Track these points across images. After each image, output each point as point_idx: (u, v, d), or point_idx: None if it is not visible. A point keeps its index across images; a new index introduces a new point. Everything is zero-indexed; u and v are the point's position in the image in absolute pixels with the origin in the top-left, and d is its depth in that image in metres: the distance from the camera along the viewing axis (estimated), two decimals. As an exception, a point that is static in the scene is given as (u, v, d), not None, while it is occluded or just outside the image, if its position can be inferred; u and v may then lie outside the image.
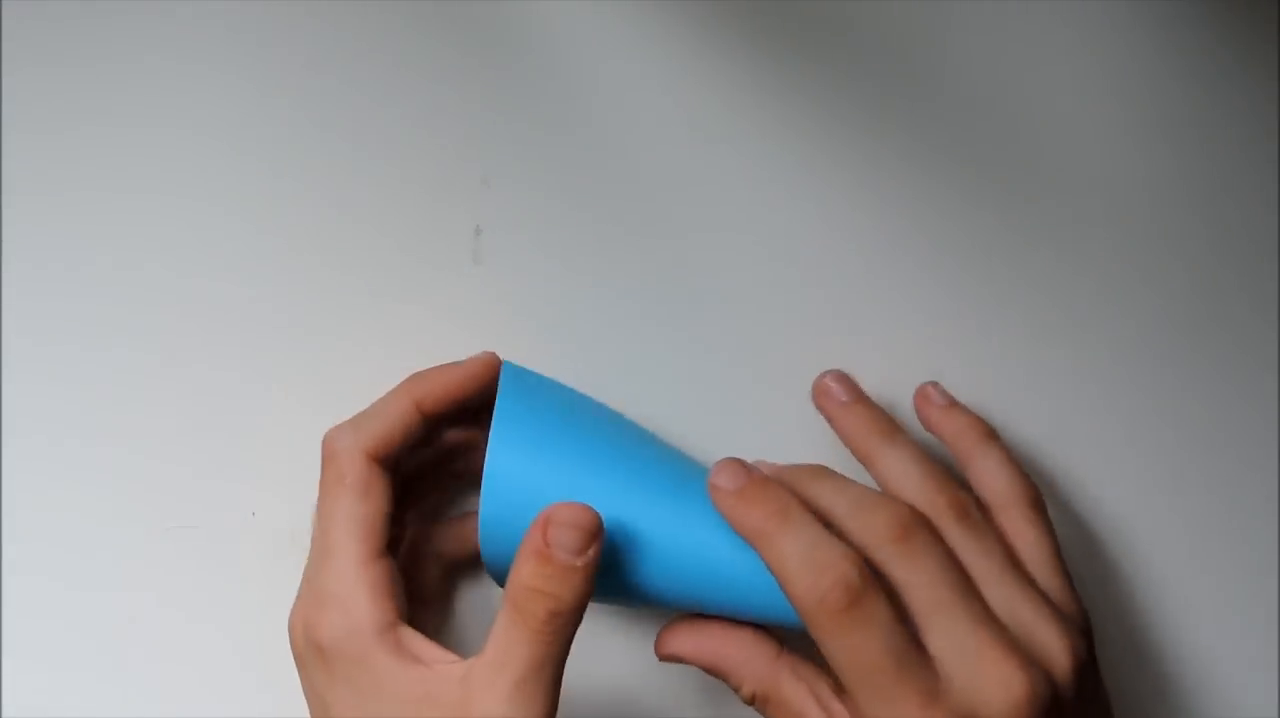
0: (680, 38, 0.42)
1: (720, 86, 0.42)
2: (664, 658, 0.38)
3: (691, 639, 0.37)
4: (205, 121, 0.41)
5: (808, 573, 0.33)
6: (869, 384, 0.41)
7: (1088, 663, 0.35)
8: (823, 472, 0.37)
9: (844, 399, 0.40)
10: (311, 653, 0.35)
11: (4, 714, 0.40)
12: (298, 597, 0.37)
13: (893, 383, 0.42)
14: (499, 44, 0.42)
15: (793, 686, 0.36)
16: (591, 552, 0.33)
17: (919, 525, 0.35)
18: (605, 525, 0.34)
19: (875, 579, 0.33)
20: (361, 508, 0.36)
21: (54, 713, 0.40)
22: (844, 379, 0.41)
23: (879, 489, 0.38)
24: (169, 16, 0.41)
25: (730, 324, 0.42)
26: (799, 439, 0.41)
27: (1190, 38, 0.43)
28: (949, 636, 0.33)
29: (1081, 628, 0.36)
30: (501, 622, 0.34)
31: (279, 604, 0.38)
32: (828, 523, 0.35)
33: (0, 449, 0.41)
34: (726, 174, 0.42)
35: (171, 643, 0.41)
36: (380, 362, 0.41)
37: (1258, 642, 0.43)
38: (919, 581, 0.34)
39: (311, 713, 0.36)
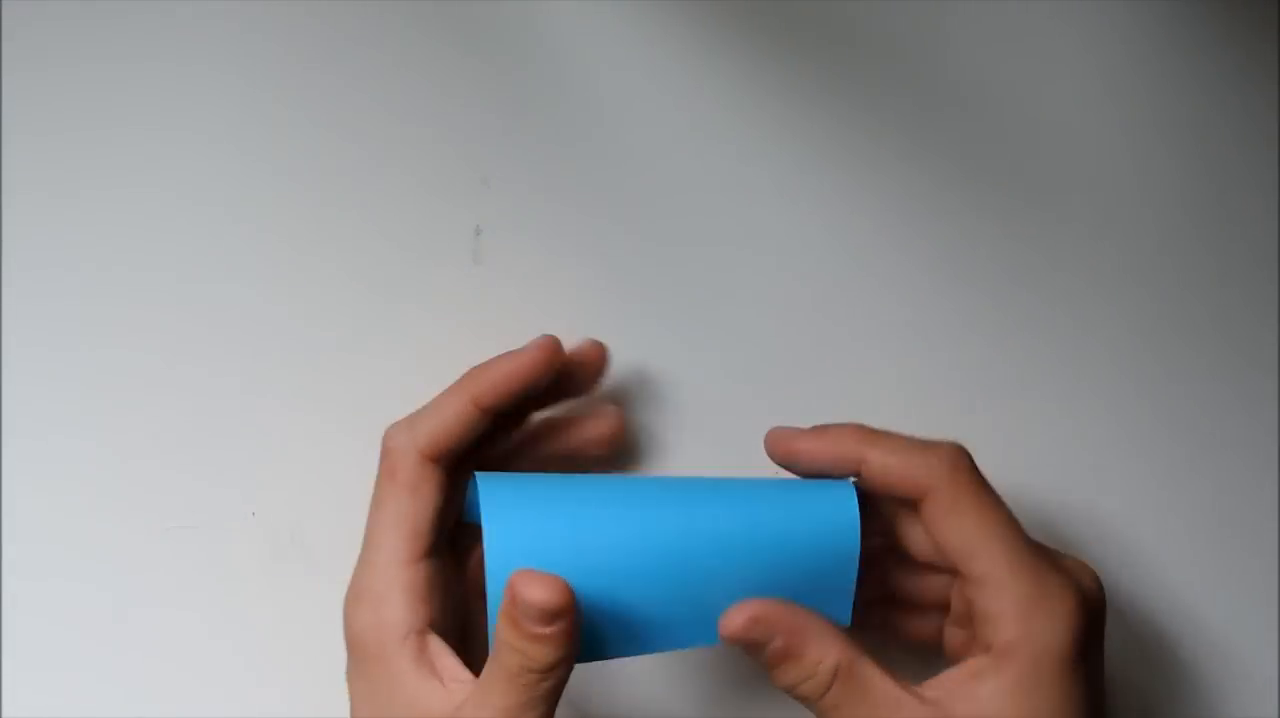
0: (681, 38, 0.42)
1: (721, 87, 0.42)
2: (732, 639, 0.35)
3: (767, 609, 0.34)
4: (204, 121, 0.41)
5: (932, 454, 0.35)
6: (866, 382, 0.41)
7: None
8: (868, 430, 0.36)
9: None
10: (347, 644, 0.36)
11: (4, 714, 0.40)
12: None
13: (894, 382, 0.42)
14: (499, 44, 0.42)
15: (878, 669, 0.34)
16: (559, 625, 0.33)
17: (969, 467, 0.35)
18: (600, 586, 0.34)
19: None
20: (409, 507, 0.36)
21: (54, 713, 0.40)
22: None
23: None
24: (168, 16, 0.41)
25: (731, 324, 0.42)
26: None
27: (1190, 38, 0.43)
28: (1007, 571, 0.34)
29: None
30: (487, 664, 0.34)
31: (279, 604, 0.38)
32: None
33: (0, 449, 0.41)
34: (727, 174, 0.42)
35: (171, 643, 0.41)
36: (381, 361, 0.41)
37: (1260, 643, 0.43)
38: (972, 527, 0.35)
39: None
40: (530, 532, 0.34)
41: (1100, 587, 0.35)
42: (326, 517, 0.39)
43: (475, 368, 0.37)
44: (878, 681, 0.34)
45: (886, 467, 0.35)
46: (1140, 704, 0.42)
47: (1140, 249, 0.43)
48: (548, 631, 0.33)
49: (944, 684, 0.34)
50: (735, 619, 0.34)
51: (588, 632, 0.34)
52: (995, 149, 0.43)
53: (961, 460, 0.35)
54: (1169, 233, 0.43)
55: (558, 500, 0.35)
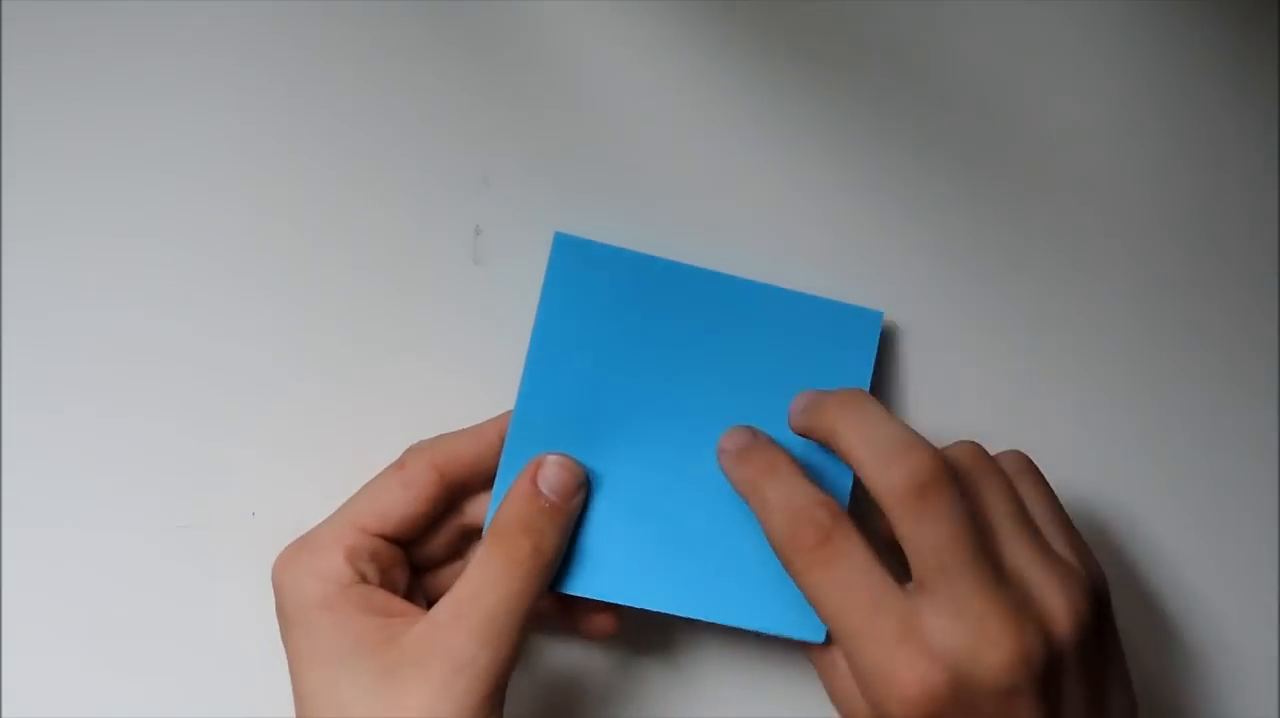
0: (682, 37, 0.42)
1: (723, 86, 0.42)
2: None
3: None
4: (204, 121, 0.41)
5: (783, 515, 0.35)
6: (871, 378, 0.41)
7: (1090, 622, 0.35)
8: (855, 403, 0.36)
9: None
10: (280, 599, 0.36)
11: (4, 714, 0.40)
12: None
13: (898, 378, 0.42)
14: (499, 44, 0.42)
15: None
16: (577, 499, 0.37)
17: (935, 483, 0.34)
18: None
19: (848, 521, 0.35)
20: (397, 493, 0.37)
21: (54, 713, 0.40)
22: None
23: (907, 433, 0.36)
24: (167, 16, 0.41)
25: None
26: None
27: (1190, 38, 0.43)
28: (949, 593, 0.33)
29: (1091, 587, 0.35)
30: (480, 558, 0.35)
31: (279, 604, 0.38)
32: (857, 468, 0.35)
33: (1, 449, 0.41)
34: (729, 173, 0.42)
35: (171, 643, 0.41)
36: (380, 362, 0.41)
37: (1261, 642, 0.43)
38: (928, 537, 0.34)
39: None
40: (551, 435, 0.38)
41: (1001, 653, 0.33)
42: (326, 517, 0.39)
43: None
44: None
45: (848, 458, 0.35)
46: (1143, 688, 0.42)
47: (1141, 245, 0.43)
48: (566, 504, 0.36)
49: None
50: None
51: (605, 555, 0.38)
52: (996, 147, 0.43)
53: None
54: (1170, 229, 0.43)
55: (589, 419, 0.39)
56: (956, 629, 0.33)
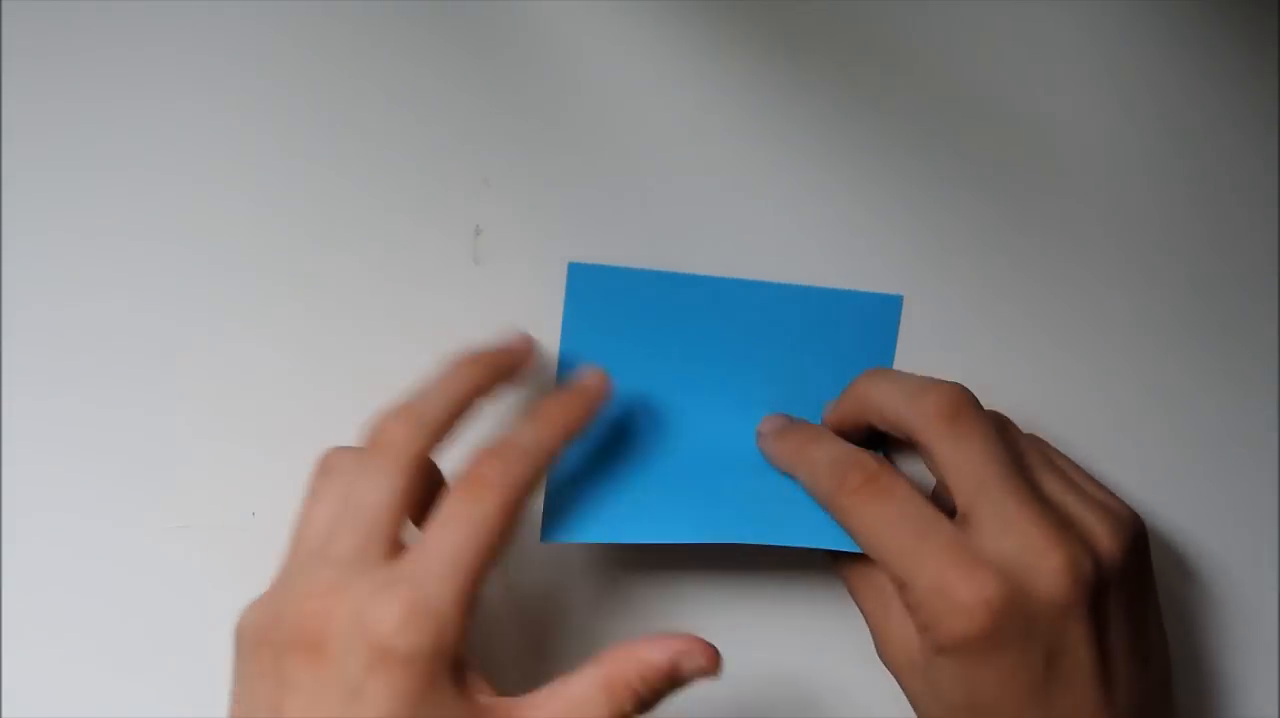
0: (681, 37, 0.42)
1: (722, 86, 0.42)
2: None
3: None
4: (204, 121, 0.41)
5: (828, 466, 0.37)
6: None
7: (1132, 552, 0.36)
8: (880, 373, 0.39)
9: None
10: (371, 651, 0.32)
11: (4, 714, 0.40)
12: (348, 581, 0.34)
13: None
14: (499, 44, 0.42)
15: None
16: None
17: (968, 405, 0.36)
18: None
19: (892, 467, 0.36)
20: (499, 530, 0.35)
21: (54, 713, 0.40)
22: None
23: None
24: (166, 16, 0.41)
25: (730, 324, 0.42)
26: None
27: (1191, 37, 0.43)
28: (992, 510, 0.35)
29: (1131, 520, 0.36)
30: (586, 694, 0.33)
31: (279, 604, 0.38)
32: (894, 417, 0.37)
33: (0, 449, 0.41)
34: (729, 173, 0.42)
35: (171, 643, 0.41)
36: (381, 361, 0.41)
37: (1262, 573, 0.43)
38: (965, 458, 0.36)
39: (287, 699, 0.34)
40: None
41: (1053, 569, 0.34)
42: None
43: (471, 358, 0.38)
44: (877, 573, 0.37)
45: (882, 410, 0.38)
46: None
47: (1140, 245, 0.43)
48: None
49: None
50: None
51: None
52: (997, 146, 0.43)
53: (838, 469, 0.37)
54: (1170, 229, 0.43)
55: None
56: (1005, 543, 0.34)
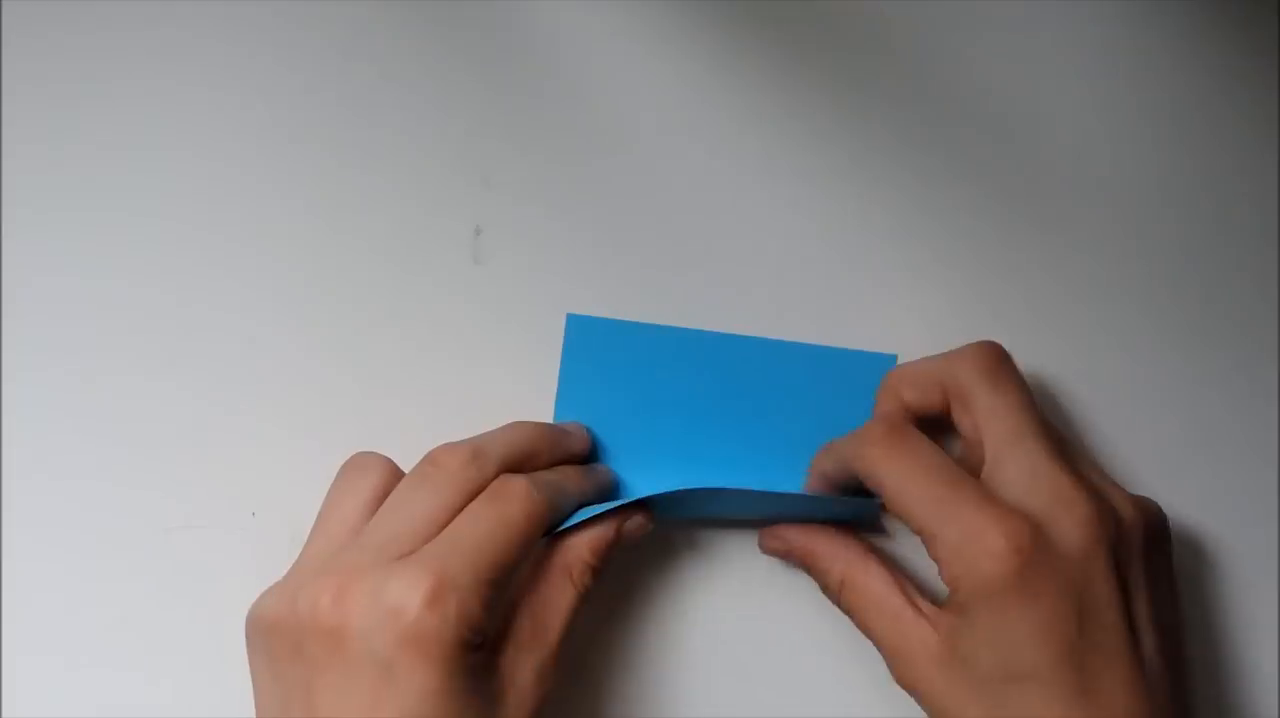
0: (681, 37, 0.42)
1: (723, 85, 0.42)
2: (768, 552, 0.40)
3: (788, 533, 0.40)
4: (204, 121, 0.41)
5: (851, 436, 0.38)
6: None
7: (1154, 528, 0.37)
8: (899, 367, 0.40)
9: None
10: (398, 630, 0.33)
11: (4, 714, 0.40)
12: (375, 564, 0.34)
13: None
14: (499, 44, 0.42)
15: (879, 573, 0.38)
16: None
17: (1008, 359, 0.38)
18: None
19: (914, 427, 0.37)
20: (523, 554, 0.36)
21: (54, 713, 0.40)
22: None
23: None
24: (166, 15, 0.41)
25: (733, 324, 0.42)
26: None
27: (1192, 39, 0.43)
28: (1024, 457, 0.36)
29: (1153, 504, 0.38)
30: (553, 586, 0.36)
31: (279, 604, 0.38)
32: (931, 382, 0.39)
33: (0, 449, 0.41)
34: (730, 173, 0.42)
35: (171, 643, 0.41)
36: (381, 361, 0.41)
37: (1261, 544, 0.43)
38: (1004, 404, 0.37)
39: (319, 684, 0.34)
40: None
41: (1078, 518, 0.35)
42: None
43: (534, 423, 0.40)
44: (879, 590, 0.37)
45: (916, 375, 0.39)
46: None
47: (1140, 245, 0.43)
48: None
49: (939, 604, 0.37)
50: (765, 539, 0.40)
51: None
52: (997, 146, 0.43)
53: (875, 429, 0.38)
54: (1169, 229, 0.43)
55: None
56: (1033, 489, 0.35)
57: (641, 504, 0.38)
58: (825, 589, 0.39)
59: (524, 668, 0.35)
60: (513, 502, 0.36)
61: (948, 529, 0.35)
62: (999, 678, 0.35)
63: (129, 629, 0.41)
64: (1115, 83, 0.43)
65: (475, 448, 0.37)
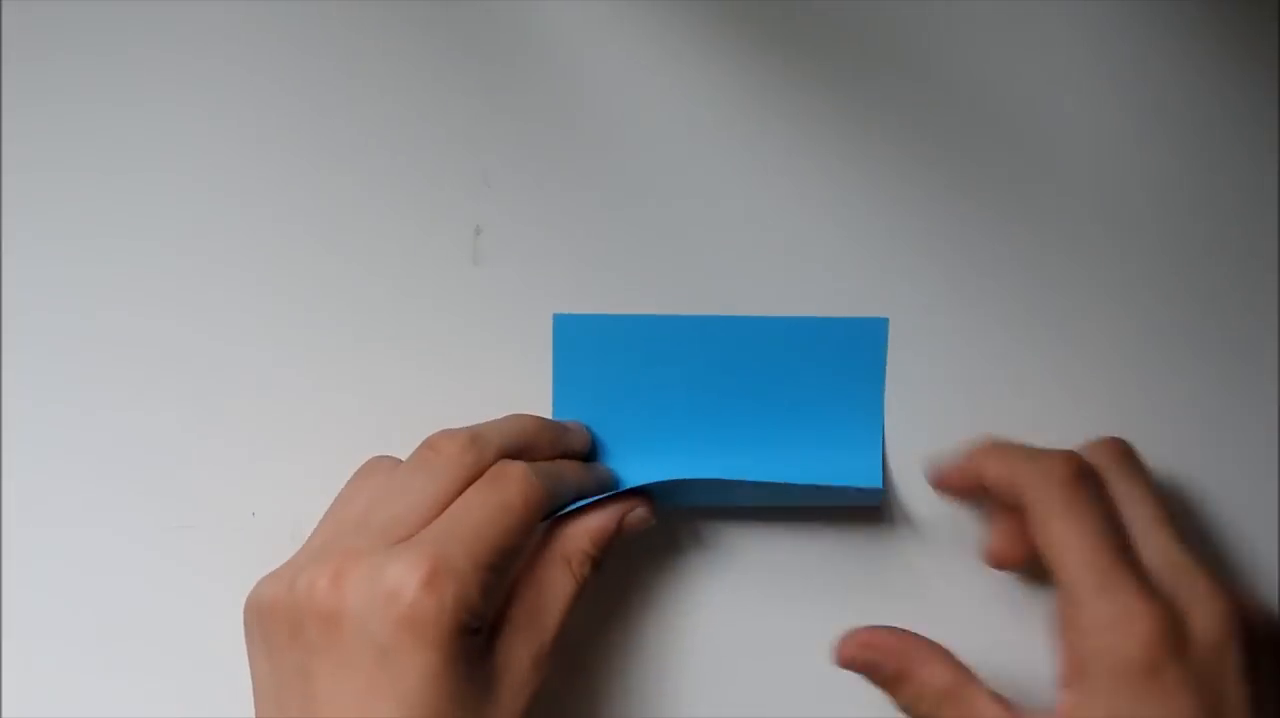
0: (681, 37, 0.42)
1: (721, 85, 0.42)
2: (845, 664, 0.38)
3: (876, 639, 0.38)
4: (204, 121, 0.41)
5: (1038, 462, 0.37)
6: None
7: (1241, 632, 0.36)
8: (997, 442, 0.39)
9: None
10: (396, 614, 0.33)
11: (4, 714, 0.40)
12: (372, 549, 0.34)
13: (897, 377, 0.42)
14: (499, 44, 0.42)
15: (982, 686, 0.37)
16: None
17: (1130, 451, 0.39)
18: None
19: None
20: (522, 542, 0.36)
21: (54, 713, 0.40)
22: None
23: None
24: (166, 15, 0.41)
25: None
26: (799, 439, 0.41)
27: (1190, 37, 0.43)
28: (1164, 548, 0.36)
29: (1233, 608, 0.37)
30: (551, 575, 0.37)
31: (279, 604, 0.38)
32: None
33: (0, 449, 0.41)
34: (728, 172, 0.42)
35: (171, 643, 0.41)
36: (380, 361, 0.41)
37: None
38: (1139, 494, 0.37)
39: (316, 667, 0.34)
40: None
41: (1216, 613, 0.35)
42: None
43: (534, 415, 0.40)
44: (983, 703, 0.36)
45: (997, 478, 0.38)
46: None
47: (1140, 245, 0.43)
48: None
49: (1041, 711, 0.36)
50: (848, 646, 0.38)
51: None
52: (996, 147, 0.43)
53: (1059, 470, 0.37)
54: (1169, 230, 0.43)
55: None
56: (1173, 578, 0.36)
57: (644, 495, 0.38)
58: (918, 699, 0.37)
59: (520, 655, 0.35)
60: (511, 486, 0.36)
61: (1101, 603, 0.35)
62: None
63: (129, 629, 0.41)
64: (1116, 77, 0.43)
65: (474, 434, 0.37)
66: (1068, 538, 0.36)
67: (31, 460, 0.41)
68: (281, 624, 0.34)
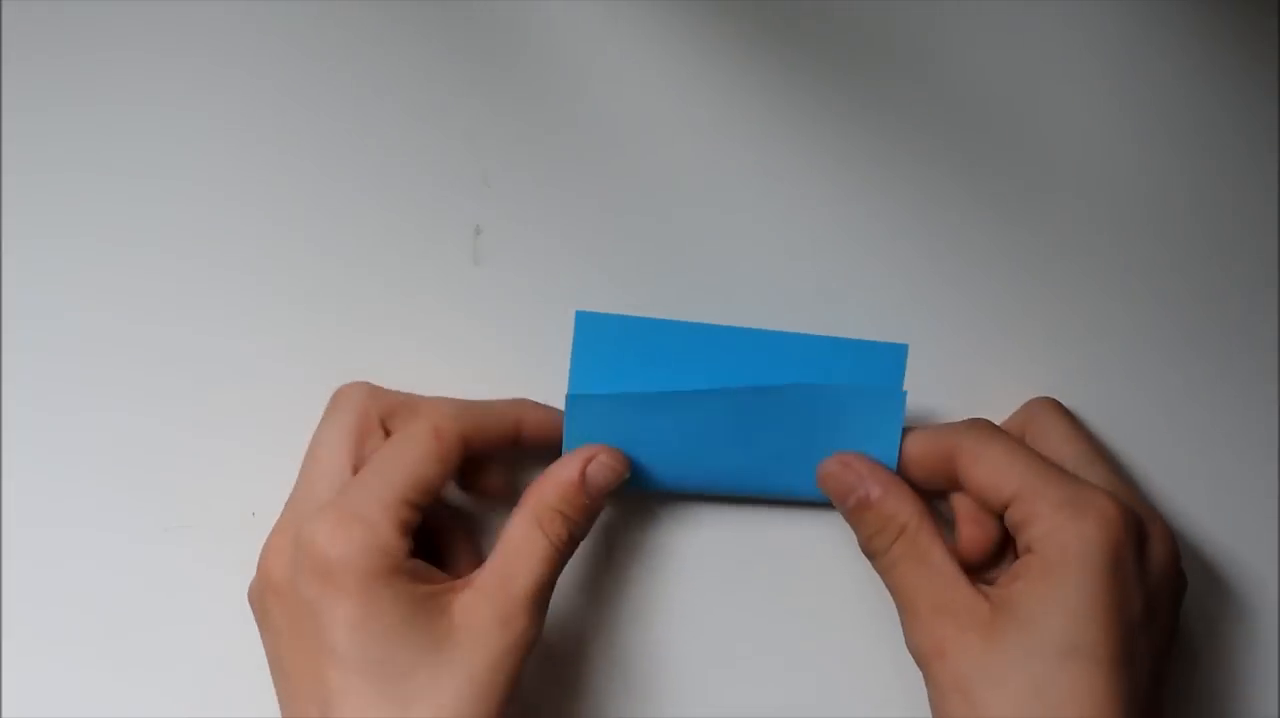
0: (681, 36, 0.42)
1: (721, 84, 0.42)
2: (825, 480, 0.39)
3: (861, 464, 0.39)
4: (204, 121, 0.41)
5: (958, 424, 0.39)
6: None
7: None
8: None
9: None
10: (313, 566, 0.35)
11: (4, 714, 0.40)
12: (297, 517, 0.37)
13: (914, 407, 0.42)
14: (499, 44, 0.42)
15: (941, 535, 0.37)
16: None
17: (1057, 403, 0.41)
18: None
19: None
20: (435, 467, 0.37)
21: (54, 713, 0.40)
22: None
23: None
24: (166, 15, 0.41)
25: (734, 320, 0.42)
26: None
27: (1191, 39, 0.43)
28: (1105, 478, 0.37)
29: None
30: (520, 534, 0.36)
31: (279, 604, 0.38)
32: None
33: (0, 448, 0.41)
34: (728, 172, 0.42)
35: (171, 643, 0.41)
36: (381, 361, 0.41)
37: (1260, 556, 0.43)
38: (1071, 433, 0.39)
39: (280, 641, 0.36)
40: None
41: (1167, 536, 0.37)
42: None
43: (529, 403, 0.40)
44: (937, 552, 0.37)
45: (921, 455, 0.38)
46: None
47: (1140, 246, 0.43)
48: (601, 501, 0.38)
49: (995, 581, 0.37)
50: (831, 463, 0.39)
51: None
52: (997, 147, 0.43)
53: (979, 420, 0.39)
54: (1169, 230, 0.43)
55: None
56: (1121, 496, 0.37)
57: (609, 449, 0.38)
58: (877, 534, 0.38)
59: (481, 613, 0.35)
60: (414, 425, 0.37)
61: (1054, 489, 0.36)
62: (1056, 648, 0.34)
63: (128, 629, 0.41)
64: (1113, 83, 0.43)
65: (441, 400, 0.39)
66: (1013, 460, 0.37)
67: (31, 460, 0.41)
68: (259, 611, 0.37)
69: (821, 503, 0.40)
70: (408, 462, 0.36)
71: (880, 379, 0.39)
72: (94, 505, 0.41)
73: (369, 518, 0.35)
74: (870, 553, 0.38)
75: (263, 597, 0.36)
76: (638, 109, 0.42)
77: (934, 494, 0.39)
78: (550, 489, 0.37)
